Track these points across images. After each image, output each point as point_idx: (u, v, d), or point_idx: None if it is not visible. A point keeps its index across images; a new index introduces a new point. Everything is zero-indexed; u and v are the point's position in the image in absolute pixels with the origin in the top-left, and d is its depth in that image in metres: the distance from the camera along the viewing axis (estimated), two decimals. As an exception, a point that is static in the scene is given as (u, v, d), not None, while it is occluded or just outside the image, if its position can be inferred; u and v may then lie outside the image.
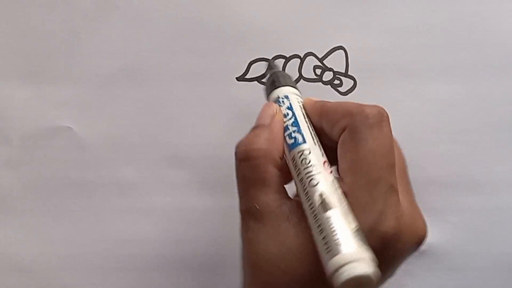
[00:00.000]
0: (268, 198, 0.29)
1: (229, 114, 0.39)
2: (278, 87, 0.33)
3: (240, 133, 0.39)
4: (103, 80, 0.40)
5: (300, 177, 0.29)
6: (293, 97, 0.33)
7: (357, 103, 0.30)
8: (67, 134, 0.40)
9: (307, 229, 0.28)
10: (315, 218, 0.27)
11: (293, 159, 0.30)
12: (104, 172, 0.40)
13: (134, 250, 0.40)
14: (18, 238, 0.40)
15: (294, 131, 0.31)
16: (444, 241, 0.40)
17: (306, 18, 0.39)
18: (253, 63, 0.39)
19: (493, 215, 0.40)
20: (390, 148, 0.29)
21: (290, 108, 0.32)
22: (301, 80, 0.40)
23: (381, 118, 0.29)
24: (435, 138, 0.39)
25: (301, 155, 0.29)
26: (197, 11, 0.39)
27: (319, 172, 0.28)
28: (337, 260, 0.25)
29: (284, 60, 0.40)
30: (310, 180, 0.28)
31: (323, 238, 0.26)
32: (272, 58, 0.40)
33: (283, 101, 0.32)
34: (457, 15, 0.39)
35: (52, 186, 0.40)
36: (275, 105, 0.32)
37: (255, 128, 0.32)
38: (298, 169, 0.29)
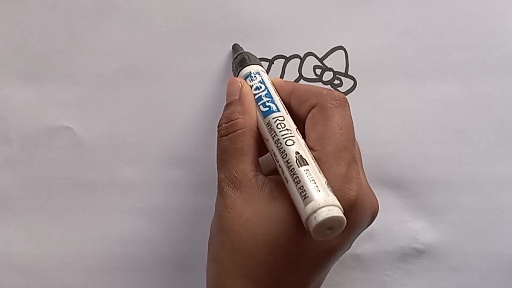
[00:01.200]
0: (246, 168, 0.33)
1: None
2: (249, 64, 0.37)
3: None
4: (103, 80, 0.40)
5: (276, 139, 0.32)
6: (263, 74, 0.36)
7: (324, 88, 0.34)
8: (67, 134, 0.40)
9: (278, 197, 0.31)
10: (291, 171, 0.31)
11: (268, 124, 0.33)
12: (104, 172, 0.40)
13: (134, 250, 0.40)
14: (18, 238, 0.40)
15: (267, 101, 0.34)
16: (444, 241, 0.40)
17: (306, 18, 0.39)
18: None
19: (493, 215, 0.40)
20: (352, 127, 0.33)
21: (262, 82, 0.35)
22: (301, 80, 0.40)
23: (346, 101, 0.34)
24: (435, 138, 0.39)
25: (276, 121, 0.33)
26: (196, 11, 0.39)
27: (293, 135, 0.32)
28: (314, 203, 0.29)
29: (284, 60, 0.40)
30: (287, 140, 0.32)
31: (301, 187, 0.30)
32: (272, 58, 0.40)
33: (255, 76, 0.36)
34: (457, 15, 0.39)
35: (52, 186, 0.40)
36: (239, 79, 0.36)
37: (227, 104, 0.35)
38: (274, 132, 0.33)
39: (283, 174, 0.31)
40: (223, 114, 0.35)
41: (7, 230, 0.40)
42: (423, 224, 0.40)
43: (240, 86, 0.35)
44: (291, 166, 0.31)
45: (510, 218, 0.40)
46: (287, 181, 0.31)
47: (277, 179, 0.33)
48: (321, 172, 0.31)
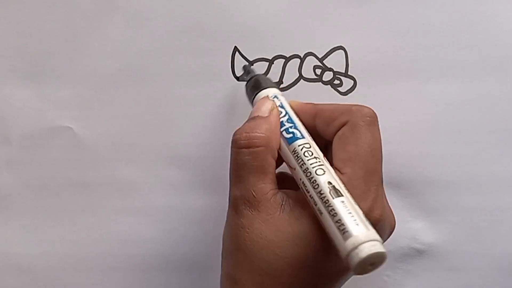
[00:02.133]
0: (265, 187, 0.31)
1: (229, 114, 0.39)
2: (265, 88, 0.35)
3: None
4: (103, 80, 0.40)
5: (304, 168, 0.31)
6: (282, 97, 0.35)
7: (352, 104, 0.33)
8: (67, 134, 0.40)
9: (300, 217, 0.30)
10: (326, 204, 0.29)
11: (294, 151, 0.32)
12: (104, 172, 0.40)
13: (134, 250, 0.40)
14: (18, 238, 0.40)
15: (290, 127, 0.33)
16: (444, 241, 0.40)
17: (306, 18, 0.39)
18: (253, 63, 0.40)
19: (493, 215, 0.40)
20: (381, 146, 0.32)
21: (282, 106, 0.34)
22: (301, 80, 0.40)
23: (375, 117, 0.32)
24: (435, 138, 0.39)
25: (302, 148, 0.31)
26: (196, 11, 0.39)
27: (323, 164, 0.30)
28: (355, 239, 0.27)
29: (284, 60, 0.40)
30: (317, 170, 0.30)
31: (338, 221, 0.28)
32: (272, 58, 0.40)
33: (273, 100, 0.34)
34: (457, 15, 0.39)
35: (52, 186, 0.40)
36: (272, 101, 0.34)
37: (254, 118, 0.33)
38: (302, 160, 0.31)
39: (316, 205, 0.30)
40: (245, 124, 0.33)
41: (7, 230, 0.40)
42: (423, 224, 0.40)
43: (273, 107, 0.34)
44: (324, 197, 0.29)
45: (510, 218, 0.40)
46: (321, 213, 0.29)
47: (296, 195, 0.32)
48: (355, 202, 0.30)
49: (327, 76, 0.40)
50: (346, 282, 0.40)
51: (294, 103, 0.35)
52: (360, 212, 0.29)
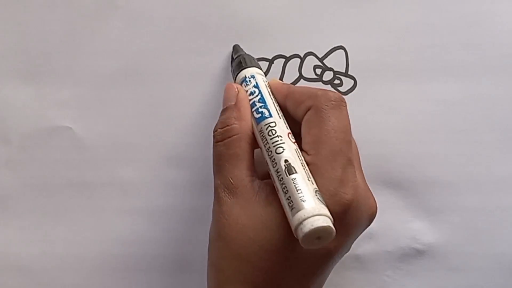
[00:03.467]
0: (241, 173, 0.33)
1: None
2: (245, 68, 0.36)
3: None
4: (103, 80, 0.40)
5: (267, 147, 0.32)
6: (259, 76, 0.36)
7: (321, 88, 0.34)
8: (67, 134, 0.40)
9: (274, 202, 0.31)
10: (281, 181, 0.31)
11: (261, 131, 0.33)
12: (104, 172, 0.40)
13: (134, 250, 0.40)
14: (18, 238, 0.40)
15: (260, 107, 0.34)
16: (444, 241, 0.40)
17: (306, 18, 0.39)
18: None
19: (493, 215, 0.40)
20: (348, 128, 0.33)
21: (256, 86, 0.35)
22: (301, 79, 0.40)
23: (342, 102, 0.33)
24: (435, 138, 0.39)
25: (267, 127, 0.33)
26: (197, 11, 0.39)
27: (284, 142, 0.32)
28: (300, 214, 0.29)
29: (284, 60, 0.40)
30: (276, 148, 0.32)
31: (288, 197, 0.30)
32: (272, 58, 0.40)
33: (249, 80, 0.36)
34: (457, 15, 0.39)
35: (52, 186, 0.40)
36: (235, 85, 0.36)
37: (223, 110, 0.35)
38: (265, 139, 0.32)
39: (275, 183, 0.31)
40: (218, 120, 0.35)
41: (7, 230, 0.40)
42: (423, 224, 0.40)
43: (237, 91, 0.35)
44: (280, 175, 0.31)
45: (510, 218, 0.40)
46: (278, 190, 0.31)
47: (270, 184, 0.32)
48: (310, 179, 0.31)
49: (327, 76, 0.40)
50: (345, 282, 0.40)
51: (273, 82, 0.36)
52: (313, 188, 0.30)
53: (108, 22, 0.40)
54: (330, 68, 0.40)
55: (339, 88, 0.40)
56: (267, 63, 0.40)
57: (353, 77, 0.40)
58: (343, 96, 0.34)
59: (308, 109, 0.33)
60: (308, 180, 0.30)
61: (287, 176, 0.30)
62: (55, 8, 0.40)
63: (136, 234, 0.40)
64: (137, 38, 0.40)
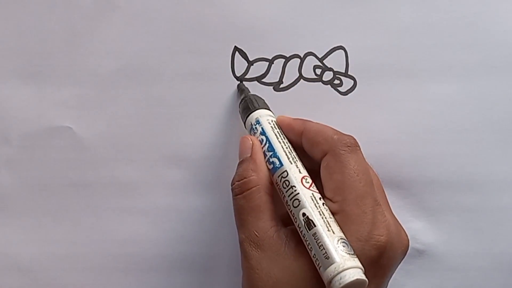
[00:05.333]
0: (265, 225, 0.32)
1: (229, 114, 0.39)
2: (250, 113, 0.36)
3: (240, 133, 0.39)
4: (103, 80, 0.40)
5: (285, 200, 0.32)
6: (264, 120, 0.35)
7: (335, 130, 0.34)
8: (67, 134, 0.40)
9: (304, 252, 0.31)
10: (304, 237, 0.30)
11: (277, 183, 0.33)
12: (104, 172, 0.40)
13: (134, 250, 0.40)
14: (18, 238, 0.40)
15: (271, 156, 0.33)
16: (444, 241, 0.40)
17: (306, 18, 0.39)
18: (253, 63, 0.40)
19: (493, 215, 0.40)
20: (368, 169, 0.33)
21: (263, 133, 0.35)
22: (301, 80, 0.40)
23: (357, 145, 0.33)
24: (435, 138, 0.39)
25: (281, 179, 0.32)
26: (197, 11, 0.39)
27: (298, 193, 0.32)
28: (328, 272, 0.28)
29: (284, 60, 0.40)
30: (293, 201, 0.31)
31: (314, 255, 0.29)
32: (272, 58, 0.40)
33: (256, 128, 0.35)
34: (457, 15, 0.39)
35: (52, 186, 0.40)
36: (250, 136, 0.35)
37: (240, 163, 0.35)
38: (282, 192, 0.32)
39: (302, 239, 0.31)
40: (236, 173, 0.34)
41: (7, 230, 0.40)
42: (423, 224, 0.40)
43: (251, 143, 0.35)
44: (301, 230, 0.30)
45: (510, 218, 0.40)
46: (305, 244, 0.31)
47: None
48: (331, 228, 0.30)
49: (327, 76, 0.40)
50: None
51: (282, 118, 0.36)
52: (335, 240, 0.29)
53: (108, 22, 0.40)
54: (330, 68, 0.40)
55: (339, 88, 0.40)
56: (267, 63, 0.40)
57: (353, 77, 0.40)
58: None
59: (325, 153, 0.33)
60: (329, 230, 0.30)
61: (307, 231, 0.30)
62: (55, 8, 0.40)
63: (136, 234, 0.40)
64: (137, 38, 0.40)
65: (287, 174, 0.32)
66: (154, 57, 0.40)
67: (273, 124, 0.35)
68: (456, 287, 0.40)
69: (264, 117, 0.36)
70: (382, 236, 0.31)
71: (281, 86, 0.40)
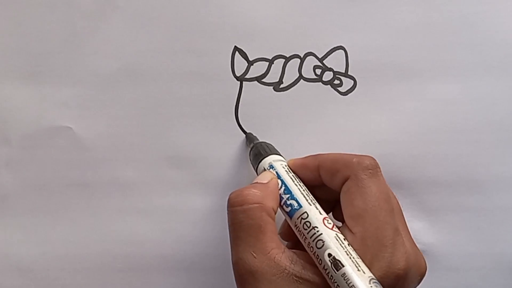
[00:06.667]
0: (265, 246, 0.30)
1: (229, 114, 0.39)
2: (262, 159, 0.35)
3: (240, 132, 0.39)
4: (103, 80, 0.40)
5: (307, 242, 0.31)
6: (277, 164, 0.35)
7: (352, 154, 0.33)
8: (67, 134, 0.40)
9: (308, 280, 0.29)
10: (331, 279, 0.29)
11: (296, 225, 0.31)
12: (104, 172, 0.40)
13: (134, 250, 0.40)
14: (18, 238, 0.40)
15: (288, 198, 0.32)
16: (444, 241, 0.40)
17: (306, 18, 0.39)
18: (253, 63, 0.40)
19: (493, 215, 0.40)
20: (389, 195, 0.32)
21: (278, 176, 0.34)
22: (301, 80, 0.40)
23: (377, 167, 0.32)
24: (435, 138, 0.39)
25: (301, 220, 0.31)
26: (197, 11, 0.39)
27: (321, 233, 0.30)
28: None
29: (284, 60, 0.40)
30: (316, 242, 0.30)
31: None
32: (272, 58, 0.40)
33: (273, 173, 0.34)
34: (457, 15, 0.39)
35: (52, 186, 0.40)
36: (273, 172, 0.34)
37: (252, 184, 0.33)
38: (303, 234, 0.31)
39: (328, 279, 0.30)
40: (242, 188, 0.32)
41: (7, 230, 0.40)
42: (423, 224, 0.40)
43: (272, 176, 0.33)
44: (328, 272, 0.29)
45: (510, 218, 0.40)
46: (331, 286, 0.30)
47: (305, 255, 0.31)
48: (361, 267, 0.29)
49: (327, 76, 0.40)
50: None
51: (293, 161, 0.35)
52: (366, 279, 0.28)
53: (108, 22, 0.40)
54: (330, 68, 0.40)
55: (339, 88, 0.40)
56: (267, 63, 0.40)
57: (353, 77, 0.40)
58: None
59: (346, 179, 0.32)
60: (359, 270, 0.29)
61: (335, 272, 0.29)
62: (55, 8, 0.40)
63: (136, 234, 0.40)
64: (137, 38, 0.40)
65: (307, 215, 0.31)
66: (154, 57, 0.40)
67: (287, 168, 0.35)
68: (456, 287, 0.40)
69: (277, 162, 0.35)
70: (400, 265, 0.30)
71: (281, 86, 0.40)
